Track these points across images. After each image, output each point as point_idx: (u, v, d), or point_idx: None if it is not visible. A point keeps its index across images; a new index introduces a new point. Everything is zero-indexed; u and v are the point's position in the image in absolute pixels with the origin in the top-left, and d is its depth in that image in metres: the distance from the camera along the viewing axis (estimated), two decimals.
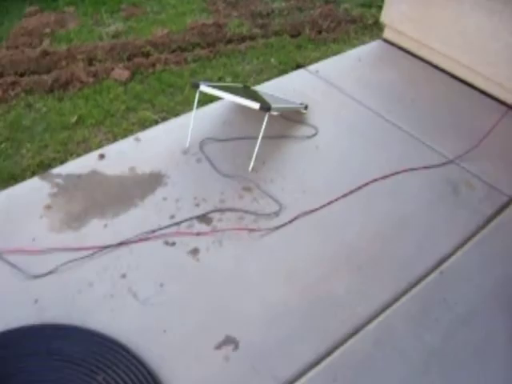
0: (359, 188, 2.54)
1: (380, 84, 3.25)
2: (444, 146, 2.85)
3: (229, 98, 2.53)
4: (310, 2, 4.14)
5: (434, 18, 3.35)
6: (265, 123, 2.48)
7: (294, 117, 2.89)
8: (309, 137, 2.81)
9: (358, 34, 3.84)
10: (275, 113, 2.52)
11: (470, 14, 3.18)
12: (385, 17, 3.63)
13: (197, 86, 2.57)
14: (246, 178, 2.53)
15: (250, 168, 2.57)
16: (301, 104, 2.92)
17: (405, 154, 2.77)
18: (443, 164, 2.74)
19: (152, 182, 2.52)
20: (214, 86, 2.62)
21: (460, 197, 2.59)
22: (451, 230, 2.42)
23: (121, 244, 2.22)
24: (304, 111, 2.93)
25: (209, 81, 2.99)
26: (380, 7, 3.56)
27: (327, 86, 3.19)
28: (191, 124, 2.65)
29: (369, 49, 3.62)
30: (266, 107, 2.43)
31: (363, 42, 3.74)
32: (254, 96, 2.84)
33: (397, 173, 2.65)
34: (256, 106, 2.45)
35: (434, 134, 2.92)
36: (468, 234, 2.41)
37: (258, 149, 2.53)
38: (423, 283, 2.20)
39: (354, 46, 3.68)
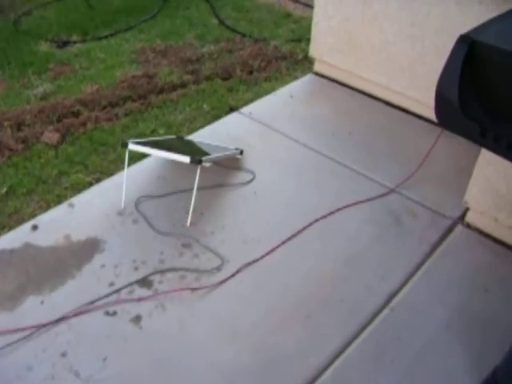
0: (301, 231, 2.50)
1: (315, 119, 3.24)
2: (384, 176, 2.84)
3: (158, 154, 2.47)
4: (239, 43, 4.13)
5: (360, 47, 3.38)
6: (197, 176, 2.42)
7: (229, 163, 2.84)
8: (246, 183, 2.76)
9: (290, 69, 3.84)
10: (208, 164, 2.46)
11: (394, 42, 3.21)
12: (313, 51, 3.64)
13: (125, 146, 2.51)
14: (185, 233, 2.47)
15: (188, 222, 2.50)
16: (236, 149, 2.87)
17: (345, 189, 2.75)
18: (384, 194, 2.73)
19: (88, 249, 2.42)
20: (143, 143, 2.56)
21: (404, 227, 2.57)
22: (398, 263, 2.39)
23: (59, 320, 2.12)
24: (239, 156, 2.88)
25: (139, 137, 2.92)
26: (309, 41, 3.57)
27: (261, 128, 3.16)
28: (124, 184, 2.57)
29: (300, 84, 3.62)
30: (196, 160, 2.38)
31: (295, 78, 3.73)
32: (187, 148, 2.79)
33: (338, 210, 2.62)
34: (186, 159, 2.40)
35: (373, 165, 2.91)
36: (415, 264, 2.39)
37: (196, 201, 2.48)
38: (375, 323, 2.15)
39: (286, 82, 3.67)
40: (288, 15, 4.73)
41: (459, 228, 2.58)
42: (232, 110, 3.33)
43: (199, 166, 2.41)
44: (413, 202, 2.71)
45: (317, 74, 3.72)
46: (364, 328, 2.12)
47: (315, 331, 2.11)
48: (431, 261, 2.41)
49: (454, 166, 2.92)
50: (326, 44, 3.54)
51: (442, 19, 2.96)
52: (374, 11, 3.21)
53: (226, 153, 2.74)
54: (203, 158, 2.43)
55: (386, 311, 2.19)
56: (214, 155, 2.58)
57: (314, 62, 3.73)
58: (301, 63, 3.88)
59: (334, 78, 3.64)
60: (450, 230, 2.57)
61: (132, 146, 2.49)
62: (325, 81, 3.65)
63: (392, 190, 2.76)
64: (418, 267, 2.38)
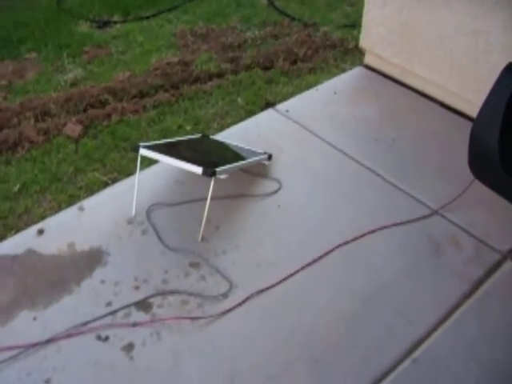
0: (323, 256, 2.22)
1: (357, 121, 2.92)
2: (428, 194, 2.51)
3: (169, 162, 2.24)
4: (286, 28, 3.81)
5: (414, 40, 3.01)
6: (211, 188, 2.19)
7: (254, 169, 2.58)
8: (270, 194, 2.50)
9: (338, 60, 3.50)
10: (223, 176, 2.21)
11: (455, 37, 2.82)
12: (363, 41, 3.29)
13: (136, 150, 2.30)
14: (195, 250, 2.25)
15: (200, 237, 2.28)
16: (264, 154, 2.61)
17: (381, 207, 2.44)
18: (425, 217, 2.40)
19: (91, 261, 2.25)
20: (156, 147, 2.34)
21: (442, 258, 2.24)
22: (429, 303, 2.08)
23: (49, 341, 1.97)
24: (267, 162, 2.61)
25: (164, 133, 2.72)
26: None
27: (296, 129, 2.87)
28: (135, 190, 2.37)
29: (347, 78, 3.28)
30: (208, 172, 2.14)
31: (343, 70, 3.40)
32: (206, 153, 2.55)
33: (370, 232, 2.31)
34: (198, 170, 2.16)
35: (417, 180, 2.58)
36: (449, 307, 2.07)
37: (211, 212, 2.26)
38: (392, 376, 1.86)
39: (332, 75, 3.34)
40: None
41: (508, 265, 2.23)
42: (268, 105, 3.06)
43: (212, 179, 2.16)
44: (457, 228, 2.37)
45: (367, 66, 3.37)
46: (379, 382, 1.84)
47: (322, 380, 1.85)
48: (470, 303, 2.09)
49: None
50: (378, 35, 3.18)
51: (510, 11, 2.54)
52: (433, 0, 2.81)
53: (251, 160, 2.48)
54: (218, 169, 2.18)
55: (407, 362, 1.90)
56: (234, 165, 2.32)
57: (365, 54, 3.37)
58: (351, 53, 3.53)
59: (385, 73, 3.29)
60: (497, 265, 2.23)
61: (143, 151, 2.27)
62: (374, 75, 3.30)
63: (435, 212, 2.42)
64: (452, 310, 2.06)
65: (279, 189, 2.52)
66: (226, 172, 2.26)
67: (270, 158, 2.62)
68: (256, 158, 2.51)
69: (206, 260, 2.21)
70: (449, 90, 2.97)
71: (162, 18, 4.02)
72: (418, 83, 3.13)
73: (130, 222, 2.39)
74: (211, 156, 2.52)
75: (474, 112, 2.96)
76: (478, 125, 1.18)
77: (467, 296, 2.11)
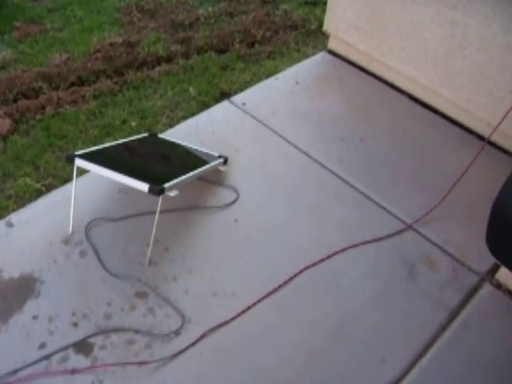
0: (287, 282, 1.98)
1: (321, 116, 2.65)
2: (400, 205, 2.30)
3: (110, 176, 1.93)
4: (243, 4, 3.47)
5: (385, 28, 2.74)
6: (159, 207, 1.90)
7: (209, 175, 2.30)
8: (226, 205, 2.23)
9: (299, 43, 3.20)
10: (173, 193, 1.92)
11: (430, 26, 2.56)
12: (328, 25, 3.00)
13: (71, 160, 1.97)
14: (142, 276, 1.97)
15: (147, 261, 1.99)
16: (219, 157, 2.32)
17: (349, 222, 2.21)
18: (398, 232, 2.19)
19: (21, 291, 1.95)
20: (96, 155, 2.02)
21: (417, 282, 2.04)
22: (403, 337, 1.89)
23: None
24: (223, 168, 2.33)
25: (106, 129, 2.40)
26: (326, 6, 2.91)
27: (255, 125, 2.58)
28: (72, 206, 2.06)
29: (310, 65, 3.00)
30: (156, 190, 1.84)
31: (305, 55, 3.11)
32: (156, 158, 2.25)
33: (338, 252, 2.08)
34: (144, 187, 1.87)
35: (388, 189, 2.36)
36: (425, 342, 1.87)
37: (161, 229, 2.00)
38: None
39: (293, 60, 3.05)
40: None
41: (487, 288, 2.05)
42: (223, 95, 2.75)
43: (160, 197, 1.87)
44: (432, 246, 2.17)
45: (331, 52, 3.09)
46: None
47: None
48: (449, 335, 1.89)
49: (489, 199, 2.34)
50: (344, 19, 2.89)
51: (494, 4, 2.29)
52: None
53: (205, 167, 2.19)
54: (167, 185, 1.89)
55: None
56: (186, 176, 2.03)
57: (329, 38, 3.08)
58: (313, 35, 3.24)
59: (351, 60, 3.02)
60: (475, 289, 2.05)
61: (79, 162, 1.95)
62: (339, 62, 3.03)
63: (408, 227, 2.21)
64: (430, 344, 1.86)
65: (236, 199, 2.25)
66: (177, 186, 1.97)
67: (225, 161, 2.34)
68: (211, 164, 2.23)
69: (155, 288, 1.94)
70: (421, 83, 2.74)
71: None
72: (388, 74, 2.88)
73: (66, 241, 2.08)
74: (159, 165, 2.22)
75: (447, 108, 2.76)
76: (502, 196, 0.95)
77: (444, 327, 1.92)
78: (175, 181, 1.95)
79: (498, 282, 2.06)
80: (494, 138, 2.47)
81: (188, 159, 2.28)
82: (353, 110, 2.73)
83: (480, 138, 2.65)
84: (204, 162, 2.22)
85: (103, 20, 3.27)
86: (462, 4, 2.39)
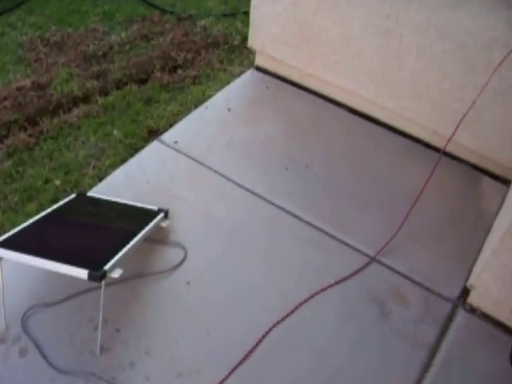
0: (255, 347, 1.80)
1: (261, 145, 2.48)
2: (360, 236, 2.16)
3: (41, 265, 1.68)
4: (158, 24, 3.21)
5: (315, 41, 2.58)
6: (102, 295, 1.67)
7: (152, 234, 2.07)
8: (175, 266, 2.01)
9: (224, 62, 3.00)
10: (117, 274, 1.70)
11: (364, 37, 2.41)
12: (253, 41, 2.81)
13: None
14: (95, 368, 1.74)
15: (98, 348, 1.76)
16: (159, 212, 2.10)
17: (309, 265, 2.07)
18: (362, 268, 2.06)
19: None
20: (19, 238, 1.77)
21: (391, 321, 1.91)
22: None
23: None
24: (165, 224, 2.11)
25: (27, 193, 2.13)
26: (247, 15, 2.70)
27: (190, 165, 2.38)
28: (1, 295, 1.80)
29: (240, 86, 2.80)
30: (97, 276, 1.61)
31: (232, 74, 2.91)
32: (89, 227, 2.01)
33: (302, 303, 1.93)
34: (83, 274, 1.63)
35: (344, 219, 2.22)
36: None
37: (108, 307, 1.76)
38: None
39: (220, 83, 2.85)
40: None
41: (462, 315, 1.95)
42: (152, 134, 2.52)
43: (103, 283, 1.65)
44: (399, 277, 2.05)
45: (259, 68, 2.90)
46: None
47: None
48: (433, 375, 1.78)
49: (451, 214, 2.25)
50: (270, 34, 2.71)
51: (428, 13, 2.17)
52: None
53: (146, 229, 1.96)
54: (108, 267, 1.66)
55: None
56: (127, 248, 1.81)
57: (255, 54, 2.89)
58: (238, 51, 3.04)
59: (283, 76, 2.84)
60: (450, 318, 1.94)
61: (1, 252, 1.69)
62: (270, 79, 2.85)
63: (372, 260, 2.08)
64: None
65: (184, 258, 2.05)
66: (120, 263, 1.74)
67: (166, 215, 2.13)
68: (152, 224, 2.01)
69: (112, 381, 1.72)
70: (360, 95, 2.60)
71: (2, 22, 3.26)
72: (324, 88, 2.73)
73: (1, 339, 1.81)
74: (96, 237, 1.97)
75: (391, 119, 2.64)
76: None
77: (426, 367, 1.80)
78: (116, 258, 1.73)
79: (472, 307, 1.96)
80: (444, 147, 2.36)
81: (126, 223, 2.05)
82: (292, 132, 2.56)
83: (428, 146, 2.55)
84: (144, 223, 2.00)
85: (5, 60, 2.95)
86: (394, 13, 2.26)
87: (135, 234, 1.89)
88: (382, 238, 2.12)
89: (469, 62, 2.22)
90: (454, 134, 2.16)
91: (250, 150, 2.46)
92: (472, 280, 1.92)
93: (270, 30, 2.70)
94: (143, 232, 1.93)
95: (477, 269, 1.95)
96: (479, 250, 2.11)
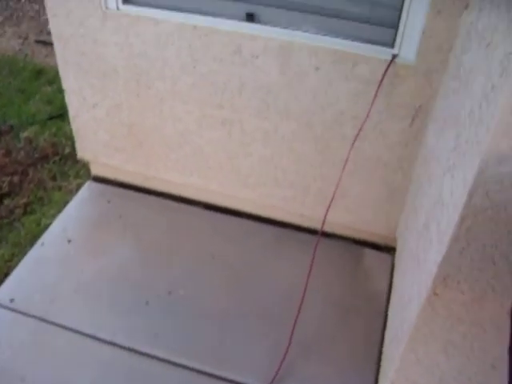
0: None
1: (112, 280, 2.12)
2: (246, 368, 1.86)
3: None
4: None
5: (151, 143, 2.28)
6: None
7: None
8: None
9: (58, 179, 2.60)
10: None
11: (201, 131, 2.14)
12: (83, 152, 2.46)
13: None
14: None
15: None
16: None
17: None
18: None
19: None
20: None
21: None
22: None
23: None
24: None
25: None
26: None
27: (34, 328, 1.97)
28: None
29: (78, 207, 2.42)
30: None
31: (69, 192, 2.53)
32: None
33: None
34: None
35: (224, 349, 1.92)
36: None
37: None
38: None
39: (57, 205, 2.46)
40: (40, 72, 3.41)
41: None
42: None
43: None
44: None
45: (97, 179, 2.54)
46: None
47: None
48: None
49: (339, 310, 1.99)
50: (99, 142, 2.37)
51: (263, 95, 1.93)
52: (158, 91, 2.09)
53: None
54: None
55: None
56: None
57: (90, 163, 2.53)
58: (71, 161, 2.67)
59: (124, 182, 2.50)
60: None
61: None
62: (111, 189, 2.50)
63: None
64: None
65: None
66: None
67: None
68: None
69: None
70: (213, 190, 2.32)
71: None
72: (172, 188, 2.42)
73: None
74: None
75: (251, 208, 2.36)
76: None
77: None
78: None
79: None
80: (315, 227, 2.12)
81: None
82: (147, 254, 2.22)
83: (299, 229, 2.31)
84: None
85: None
86: (228, 101, 2.00)
87: None
88: (271, 363, 1.81)
89: (320, 139, 2.00)
90: (325, 217, 1.92)
91: (101, 290, 2.07)
92: None
93: (97, 138, 2.35)
94: None
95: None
96: (379, 347, 1.86)
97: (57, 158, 2.72)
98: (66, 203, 2.44)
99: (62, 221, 2.34)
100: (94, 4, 1.96)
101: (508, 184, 0.95)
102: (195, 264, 2.17)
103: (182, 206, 2.42)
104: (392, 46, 1.75)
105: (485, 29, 1.23)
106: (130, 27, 1.97)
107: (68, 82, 2.22)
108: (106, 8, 1.97)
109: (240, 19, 1.87)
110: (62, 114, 2.96)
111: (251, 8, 1.86)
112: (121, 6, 1.96)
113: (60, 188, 2.57)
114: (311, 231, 2.27)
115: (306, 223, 2.30)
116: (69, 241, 2.25)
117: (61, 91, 2.34)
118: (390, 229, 2.17)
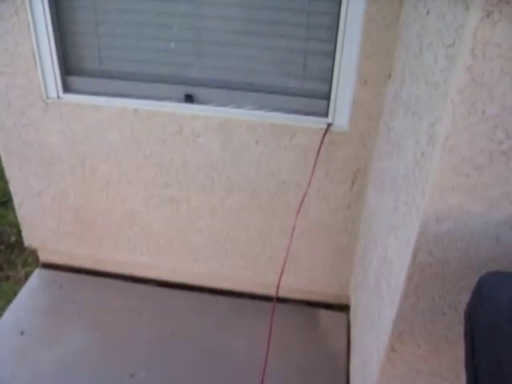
0: None
1: (68, 368, 2.06)
2: None
3: None
4: None
5: (99, 225, 2.28)
6: None
7: None
8: None
9: (5, 268, 2.56)
10: None
11: (148, 210, 2.19)
12: (30, 240, 2.44)
13: None
14: None
15: None
16: None
17: None
18: None
19: None
20: None
21: None
22: None
23: None
24: None
25: None
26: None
27: None
28: None
29: (29, 296, 2.37)
30: None
31: (17, 281, 2.48)
32: None
33: None
34: None
35: None
36: None
37: None
38: None
39: (6, 297, 2.41)
40: None
41: None
42: None
43: None
44: None
45: (46, 265, 2.51)
46: None
47: None
48: None
49: (301, 377, 2.00)
50: (46, 229, 2.36)
51: (208, 170, 1.99)
52: (103, 175, 2.12)
53: None
54: None
55: None
56: None
57: (38, 250, 2.50)
58: (18, 249, 2.63)
59: (75, 267, 2.48)
60: None
61: None
62: (62, 276, 2.47)
63: None
64: None
65: None
66: None
67: None
68: None
69: None
70: (165, 267, 2.33)
71: None
72: (124, 268, 2.42)
73: None
74: None
75: (205, 281, 2.38)
76: None
77: None
78: None
79: None
80: (269, 293, 2.15)
81: None
82: (104, 337, 2.18)
83: (253, 297, 2.34)
84: None
85: None
86: (174, 179, 2.05)
87: None
88: None
89: (266, 209, 2.07)
90: (279, 284, 1.95)
91: (58, 381, 2.01)
92: None
93: (44, 225, 2.34)
94: None
95: None
96: None
97: (2, 247, 2.67)
98: (15, 293, 2.39)
99: (13, 312, 2.29)
100: (35, 94, 1.99)
101: (447, 241, 1.03)
102: (155, 343, 2.15)
103: (135, 285, 2.41)
104: (326, 115, 1.85)
105: (408, 98, 1.34)
106: (71, 114, 2.01)
107: (12, 172, 2.22)
108: (47, 97, 2.00)
109: (179, 101, 1.94)
110: (5, 202, 2.93)
111: (189, 89, 1.93)
112: (61, 94, 2.00)
113: (8, 278, 2.51)
114: (266, 298, 2.30)
115: (260, 291, 2.33)
116: (21, 332, 2.19)
117: (2, 178, 2.34)
118: (343, 288, 2.23)
